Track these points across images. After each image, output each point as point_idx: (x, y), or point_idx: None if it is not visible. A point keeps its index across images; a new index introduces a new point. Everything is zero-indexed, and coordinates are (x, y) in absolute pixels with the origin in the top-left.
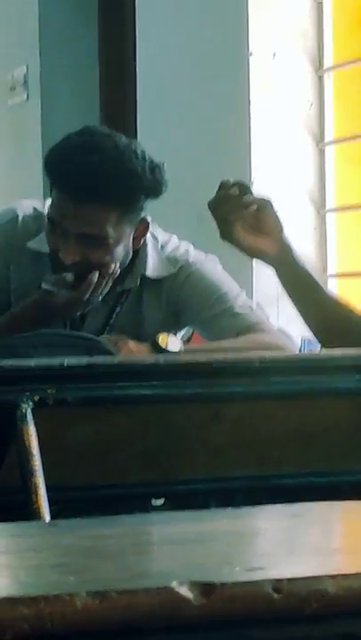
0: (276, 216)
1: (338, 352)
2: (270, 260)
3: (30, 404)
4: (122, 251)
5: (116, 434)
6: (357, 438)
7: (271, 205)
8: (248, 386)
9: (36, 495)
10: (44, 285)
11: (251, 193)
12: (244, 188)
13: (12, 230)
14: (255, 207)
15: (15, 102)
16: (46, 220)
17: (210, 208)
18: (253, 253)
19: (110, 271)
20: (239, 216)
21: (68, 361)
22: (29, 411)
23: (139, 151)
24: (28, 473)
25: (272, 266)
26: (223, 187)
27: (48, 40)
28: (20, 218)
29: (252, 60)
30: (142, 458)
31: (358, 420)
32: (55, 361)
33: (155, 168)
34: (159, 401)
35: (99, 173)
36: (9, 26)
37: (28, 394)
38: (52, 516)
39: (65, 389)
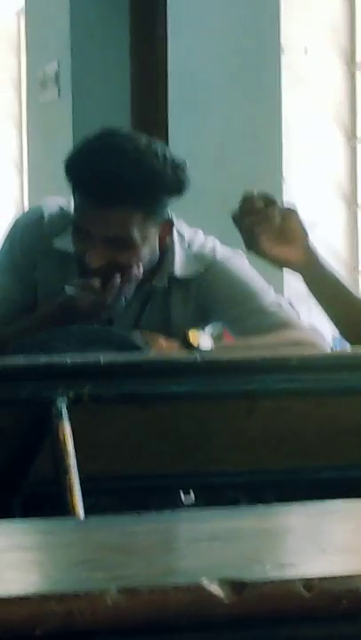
0: (302, 224)
1: None
2: (297, 268)
3: (65, 400)
4: (148, 251)
5: (150, 429)
6: None
7: (296, 214)
8: (283, 383)
9: (71, 494)
10: (68, 291)
11: (275, 204)
12: (269, 200)
13: (38, 229)
14: (280, 218)
15: (46, 99)
16: (72, 219)
17: (234, 220)
18: (280, 263)
19: (135, 272)
20: (264, 228)
21: (104, 358)
22: (65, 407)
23: (160, 151)
24: (62, 471)
25: (300, 273)
26: (247, 199)
27: (79, 36)
28: (46, 217)
29: (283, 56)
30: (176, 452)
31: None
32: (91, 357)
33: (176, 167)
34: (195, 398)
35: (120, 177)
36: (41, 22)
37: (63, 390)
38: (86, 509)
39: (100, 386)
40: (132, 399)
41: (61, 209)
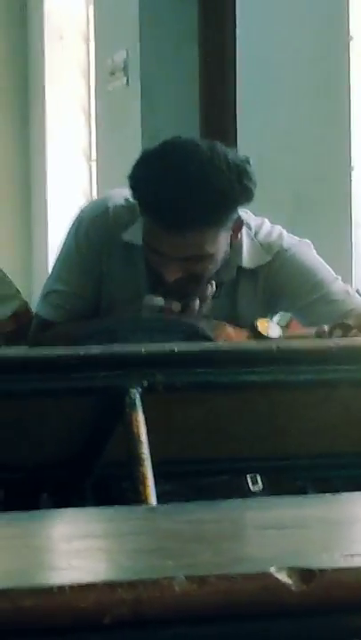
0: None
1: None
2: None
3: (139, 389)
4: (221, 255)
5: (224, 417)
6: None
7: None
8: (357, 371)
9: (144, 485)
10: (146, 304)
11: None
12: (345, 327)
13: (103, 222)
14: None
15: (115, 87)
16: (138, 212)
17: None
18: None
19: (211, 275)
20: None
21: (179, 347)
22: (138, 396)
23: (223, 161)
24: (135, 461)
25: None
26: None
27: (148, 25)
28: (111, 209)
29: (352, 44)
30: (250, 440)
31: None
32: (165, 347)
33: (242, 174)
34: (270, 386)
35: (187, 203)
36: (109, 11)
37: (137, 379)
38: (157, 495)
39: (175, 375)
40: (206, 388)
41: (127, 200)
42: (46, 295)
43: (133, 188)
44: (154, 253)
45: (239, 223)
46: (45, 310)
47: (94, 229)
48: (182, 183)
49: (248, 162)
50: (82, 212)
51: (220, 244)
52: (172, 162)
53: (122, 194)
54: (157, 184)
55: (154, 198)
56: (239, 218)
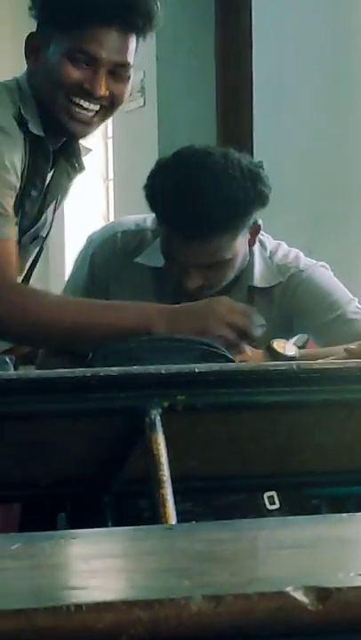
0: None
1: None
2: None
3: (159, 410)
4: (241, 258)
5: (244, 438)
6: None
7: None
8: None
9: (165, 507)
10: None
11: None
12: None
13: (111, 247)
14: None
15: (132, 108)
16: (151, 235)
17: None
18: None
19: (228, 281)
20: None
21: (199, 367)
22: (158, 417)
23: (237, 167)
24: (155, 484)
25: None
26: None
27: (165, 46)
28: (120, 234)
29: None
30: (270, 460)
31: None
32: (185, 367)
33: (256, 179)
34: (291, 406)
35: (203, 212)
36: None
37: (157, 400)
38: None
39: (195, 395)
40: (226, 408)
41: (137, 225)
42: None
43: (149, 198)
44: (173, 262)
45: (256, 227)
46: None
47: (102, 255)
48: (197, 191)
49: (262, 167)
50: (91, 237)
51: (239, 250)
52: (187, 171)
53: (132, 219)
54: (173, 193)
55: (170, 208)
56: (256, 222)
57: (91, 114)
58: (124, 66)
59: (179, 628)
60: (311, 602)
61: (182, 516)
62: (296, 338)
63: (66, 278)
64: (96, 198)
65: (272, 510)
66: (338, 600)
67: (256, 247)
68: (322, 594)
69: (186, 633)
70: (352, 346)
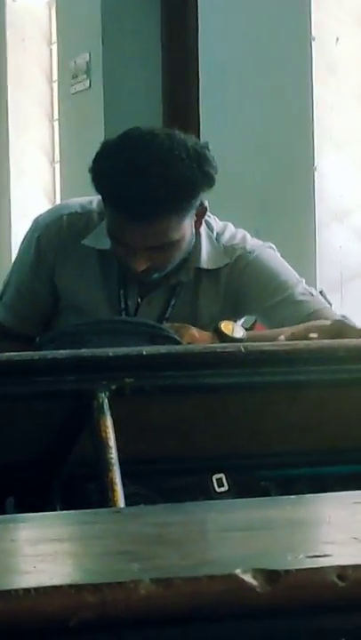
0: (357, 329)
1: None
2: None
3: (107, 393)
4: (188, 240)
5: (192, 419)
6: None
7: (346, 326)
8: (328, 373)
9: (113, 490)
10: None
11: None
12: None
13: (57, 230)
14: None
15: (78, 90)
16: (98, 217)
17: None
18: None
19: (175, 263)
20: None
21: (147, 350)
22: (106, 400)
23: (182, 148)
24: (103, 467)
25: None
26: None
27: (111, 27)
28: (66, 216)
29: (314, 44)
30: (218, 441)
31: None
32: (133, 350)
33: (202, 160)
34: (238, 388)
35: (149, 193)
36: (71, 13)
37: (105, 383)
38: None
39: (143, 378)
40: (174, 390)
41: (83, 207)
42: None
43: (95, 180)
44: (120, 245)
45: (203, 209)
46: None
47: (48, 237)
48: (143, 173)
49: (207, 147)
50: (36, 220)
51: (185, 231)
52: (132, 152)
53: (78, 202)
54: (119, 175)
55: (116, 190)
56: (202, 203)
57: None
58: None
59: (127, 612)
60: (260, 584)
61: (131, 500)
62: (243, 320)
63: (12, 261)
64: (42, 181)
65: (221, 493)
66: (287, 582)
67: (203, 229)
68: (271, 576)
69: (135, 616)
70: (299, 327)
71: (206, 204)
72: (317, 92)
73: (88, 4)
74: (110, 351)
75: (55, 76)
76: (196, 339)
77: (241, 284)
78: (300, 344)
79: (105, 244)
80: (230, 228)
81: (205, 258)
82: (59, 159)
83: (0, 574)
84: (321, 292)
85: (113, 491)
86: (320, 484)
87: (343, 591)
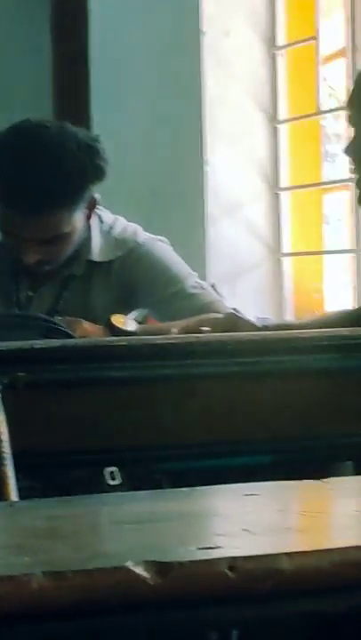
0: (248, 323)
1: (311, 332)
2: None
3: None
4: (79, 233)
5: (86, 413)
6: (324, 417)
7: (238, 319)
8: (219, 366)
9: (5, 485)
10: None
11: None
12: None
13: None
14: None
15: None
16: None
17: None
18: None
19: (67, 255)
20: None
21: (38, 344)
22: None
23: (72, 140)
24: None
25: None
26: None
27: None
28: None
29: (204, 38)
30: (108, 433)
31: (331, 398)
32: (25, 343)
33: (93, 153)
34: (132, 381)
35: (39, 187)
36: None
37: None
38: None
39: (35, 372)
40: (66, 384)
41: None
42: None
43: None
44: (11, 237)
45: (93, 201)
46: None
47: None
48: (34, 166)
49: (98, 140)
50: None
51: (76, 224)
52: (22, 144)
53: None
54: (8, 168)
55: (6, 183)
56: (93, 197)
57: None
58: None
59: (20, 605)
60: (151, 576)
61: (24, 493)
62: (135, 313)
63: None
64: None
65: (114, 486)
66: (178, 574)
67: (94, 221)
68: (162, 568)
69: (27, 610)
70: (191, 321)
71: (98, 196)
72: (208, 87)
73: None
74: (2, 345)
75: None
76: (88, 332)
77: (133, 277)
78: (193, 337)
79: None
80: (122, 221)
81: (97, 251)
82: None
83: None
84: (212, 286)
85: (5, 484)
86: (212, 476)
87: (234, 582)
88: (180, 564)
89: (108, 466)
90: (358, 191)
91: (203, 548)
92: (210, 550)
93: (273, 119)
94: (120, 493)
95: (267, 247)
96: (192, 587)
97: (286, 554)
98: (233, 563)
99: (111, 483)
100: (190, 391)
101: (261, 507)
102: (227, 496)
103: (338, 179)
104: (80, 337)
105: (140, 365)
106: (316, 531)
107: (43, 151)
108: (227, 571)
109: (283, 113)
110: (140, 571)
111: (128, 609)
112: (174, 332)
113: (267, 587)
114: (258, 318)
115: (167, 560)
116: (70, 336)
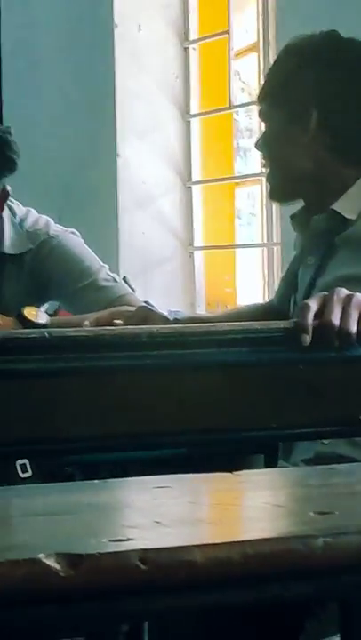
0: (160, 315)
1: (224, 324)
2: None
3: None
4: None
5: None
6: (236, 410)
7: (150, 312)
8: (132, 359)
9: None
10: None
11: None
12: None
13: None
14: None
15: None
16: None
17: None
18: None
19: None
20: None
21: None
22: None
23: None
24: None
25: None
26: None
27: None
28: None
29: (117, 31)
30: (19, 425)
31: (243, 391)
32: None
33: (4, 145)
34: (42, 374)
35: None
36: None
37: None
38: None
39: None
40: None
41: None
42: None
43: None
44: None
45: (5, 193)
46: None
47: None
48: None
49: (9, 132)
50: None
51: None
52: None
53: None
54: None
55: None
56: (4, 188)
57: None
58: None
59: None
60: (63, 568)
61: None
62: (47, 305)
63: None
64: None
65: (25, 478)
66: (90, 566)
67: (5, 214)
68: (74, 560)
69: None
70: (104, 313)
71: (9, 188)
72: (120, 80)
73: None
74: None
75: None
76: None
77: (44, 270)
78: (104, 330)
79: None
80: (33, 213)
81: (8, 243)
82: None
83: None
84: (124, 279)
85: None
86: (124, 469)
87: (145, 575)
88: (92, 555)
89: (19, 458)
90: (269, 185)
91: (114, 540)
92: (121, 542)
93: (185, 113)
94: (31, 485)
95: (179, 240)
96: (104, 579)
97: (198, 546)
98: (144, 555)
99: (22, 475)
100: (103, 384)
101: (172, 499)
102: (138, 488)
103: (250, 173)
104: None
105: (51, 357)
106: (226, 523)
107: None
108: (138, 563)
109: (195, 107)
110: (51, 562)
111: (40, 601)
112: (86, 324)
113: (178, 579)
114: (170, 312)
115: (78, 552)
116: None
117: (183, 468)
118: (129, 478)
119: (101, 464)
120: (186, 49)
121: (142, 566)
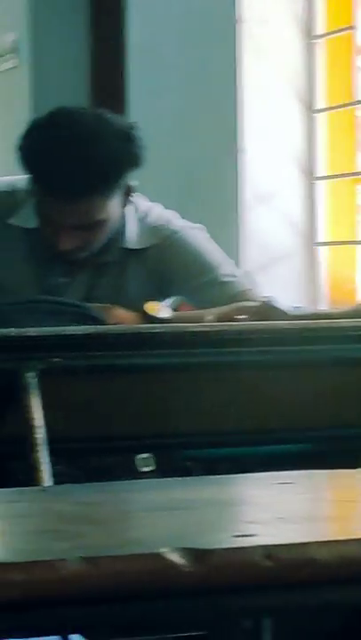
0: (282, 311)
1: (344, 321)
2: None
3: (35, 372)
4: (114, 220)
5: (120, 399)
6: (358, 406)
7: (273, 308)
8: (255, 354)
9: (39, 470)
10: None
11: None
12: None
13: None
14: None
15: (4, 69)
16: (24, 196)
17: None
18: None
19: (102, 242)
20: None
21: (73, 329)
22: (34, 380)
23: (110, 128)
24: (30, 447)
25: None
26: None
27: (38, 6)
28: None
29: (241, 26)
30: (143, 419)
31: (357, 388)
32: (59, 329)
33: (129, 140)
34: (163, 368)
35: (78, 173)
36: None
37: (32, 362)
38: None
39: (70, 357)
40: (101, 370)
41: (10, 186)
42: None
43: (22, 158)
44: (47, 224)
45: (129, 188)
46: None
47: None
48: (70, 152)
49: (135, 127)
50: None
51: (112, 211)
52: (60, 131)
53: (5, 180)
54: (46, 154)
55: (43, 168)
56: (129, 184)
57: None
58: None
59: (54, 591)
60: (186, 563)
61: (57, 479)
62: (170, 300)
63: None
64: None
65: (146, 472)
66: (212, 561)
67: (130, 209)
68: (197, 555)
69: (61, 595)
70: (226, 308)
71: (133, 184)
72: (244, 75)
73: None
74: (37, 330)
75: None
76: (122, 319)
77: (167, 265)
78: (227, 325)
79: (32, 222)
80: (158, 208)
81: (132, 238)
82: None
83: None
84: (247, 274)
85: (39, 470)
86: (245, 464)
87: (268, 570)
88: (215, 551)
89: (141, 452)
90: None
91: (238, 536)
92: (245, 538)
93: (309, 108)
94: (153, 480)
95: (301, 236)
96: (227, 574)
97: (321, 543)
98: (267, 551)
99: (144, 469)
100: (225, 379)
101: (294, 495)
102: (260, 484)
103: None
104: (113, 324)
105: (173, 353)
106: (350, 519)
107: (79, 138)
108: (261, 558)
109: (319, 102)
110: (174, 557)
111: (162, 595)
112: (209, 319)
113: (302, 575)
114: (293, 308)
115: (202, 547)
116: (103, 322)
117: (301, 464)
118: (249, 474)
119: (220, 459)
120: (310, 44)
121: (265, 562)
